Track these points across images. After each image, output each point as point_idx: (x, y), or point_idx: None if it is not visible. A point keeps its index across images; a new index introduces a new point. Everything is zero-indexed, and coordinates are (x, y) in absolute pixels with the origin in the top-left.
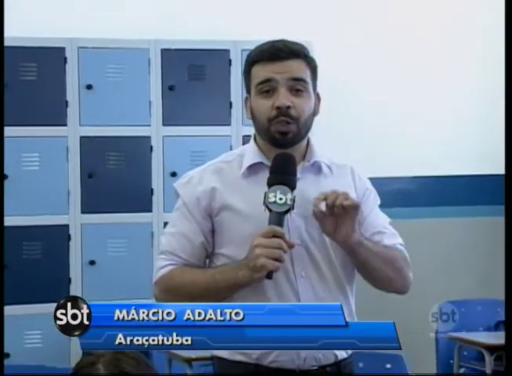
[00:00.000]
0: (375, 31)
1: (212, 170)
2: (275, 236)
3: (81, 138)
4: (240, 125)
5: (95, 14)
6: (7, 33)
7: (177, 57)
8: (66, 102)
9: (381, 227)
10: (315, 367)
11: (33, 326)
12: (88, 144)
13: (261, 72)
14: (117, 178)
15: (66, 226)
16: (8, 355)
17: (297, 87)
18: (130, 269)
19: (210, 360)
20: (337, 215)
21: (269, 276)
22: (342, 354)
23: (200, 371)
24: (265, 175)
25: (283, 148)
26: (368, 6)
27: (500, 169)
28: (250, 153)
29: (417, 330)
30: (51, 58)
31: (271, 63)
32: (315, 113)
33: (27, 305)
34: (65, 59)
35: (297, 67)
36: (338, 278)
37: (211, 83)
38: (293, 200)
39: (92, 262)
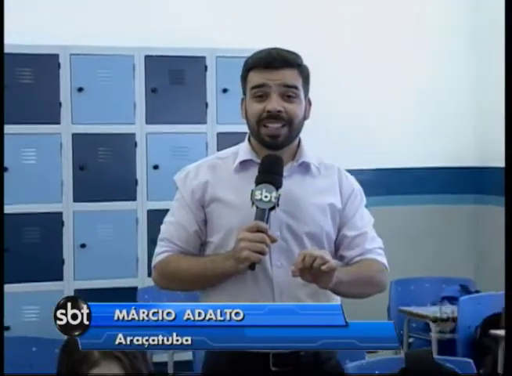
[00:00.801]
0: (354, 28)
1: (207, 165)
2: (259, 230)
3: (73, 135)
4: (215, 124)
5: (85, 24)
6: (7, 41)
7: (159, 63)
8: (60, 103)
9: (364, 229)
10: (288, 351)
11: (30, 302)
12: (80, 140)
13: (256, 78)
14: (106, 170)
15: (60, 213)
16: (8, 328)
17: (288, 93)
18: (117, 251)
19: None
20: (314, 273)
21: (252, 267)
22: None
23: None
24: (254, 171)
25: (273, 150)
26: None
27: (449, 162)
28: (243, 151)
29: (373, 303)
30: (46, 63)
31: (265, 71)
32: (305, 117)
33: (25, 283)
34: (58, 64)
35: (289, 76)
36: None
37: (189, 86)
38: (278, 198)
39: (83, 245)
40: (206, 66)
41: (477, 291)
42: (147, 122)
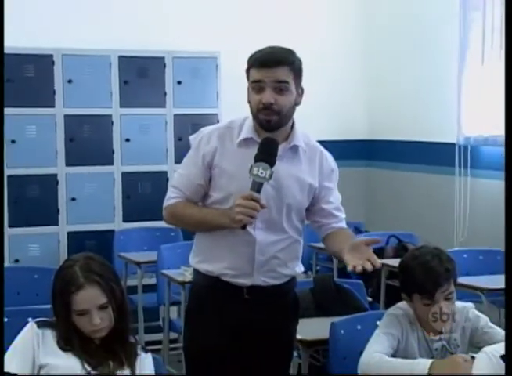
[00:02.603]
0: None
1: (218, 134)
2: (253, 199)
3: (65, 115)
4: (172, 107)
5: (74, 32)
6: (15, 44)
7: (129, 62)
8: (54, 91)
9: (337, 203)
10: (257, 285)
11: (33, 241)
12: (70, 120)
13: (254, 74)
14: (89, 142)
15: (55, 175)
16: (17, 260)
17: (280, 87)
18: (98, 203)
19: None
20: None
21: (244, 227)
22: (283, 279)
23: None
24: (254, 148)
25: (268, 131)
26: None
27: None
28: (246, 129)
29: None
30: (44, 61)
31: (262, 69)
32: (296, 103)
33: (29, 227)
34: (53, 62)
35: (281, 73)
36: (284, 230)
37: (152, 79)
38: (271, 175)
39: (73, 199)
40: (165, 64)
41: (366, 231)
42: (121, 106)
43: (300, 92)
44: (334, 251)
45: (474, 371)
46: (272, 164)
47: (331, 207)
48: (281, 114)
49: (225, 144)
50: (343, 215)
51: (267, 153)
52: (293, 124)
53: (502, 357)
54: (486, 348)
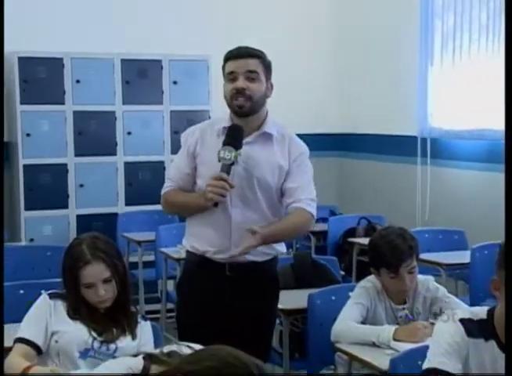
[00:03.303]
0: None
1: (200, 129)
2: (221, 179)
3: (74, 111)
4: (168, 104)
5: (81, 38)
6: (30, 48)
7: (130, 64)
8: (64, 90)
9: (301, 183)
10: (239, 262)
11: (47, 222)
12: (78, 115)
13: (229, 66)
14: (95, 135)
15: (66, 164)
16: (32, 239)
17: (251, 76)
18: (104, 189)
19: None
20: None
21: (215, 205)
22: (263, 257)
23: None
24: None
25: (242, 117)
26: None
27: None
28: (224, 120)
29: None
30: (55, 64)
31: (235, 61)
32: (266, 95)
33: (43, 210)
34: (63, 64)
35: (251, 63)
36: (261, 209)
37: (151, 79)
38: (237, 157)
39: (81, 185)
40: (162, 66)
41: (340, 213)
42: (123, 103)
43: (270, 86)
44: None
45: (435, 331)
46: (237, 147)
47: (295, 186)
48: (252, 100)
49: (205, 136)
50: (309, 196)
51: (232, 138)
52: (266, 114)
53: (461, 320)
54: (448, 311)
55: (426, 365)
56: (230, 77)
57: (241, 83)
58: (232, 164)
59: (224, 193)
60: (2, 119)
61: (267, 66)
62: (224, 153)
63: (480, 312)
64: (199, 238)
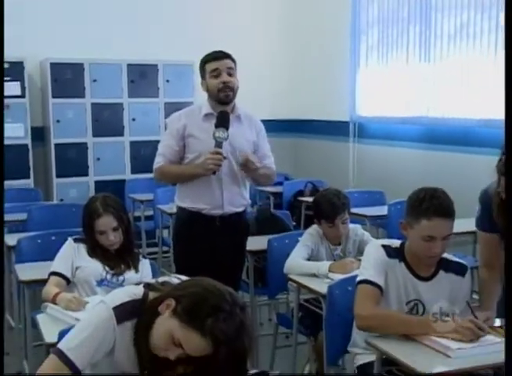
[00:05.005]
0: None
1: (185, 115)
2: (218, 153)
3: (92, 103)
4: (163, 97)
5: (97, 47)
6: (59, 56)
7: (134, 68)
8: (84, 87)
9: (266, 150)
10: (227, 214)
11: (72, 187)
12: (95, 107)
13: (213, 65)
14: (108, 121)
15: (86, 143)
16: (62, 199)
17: (230, 72)
18: (115, 162)
19: None
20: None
21: (214, 173)
22: (241, 208)
23: None
24: (212, 119)
25: (225, 105)
26: None
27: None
28: (206, 107)
29: None
30: (77, 67)
31: (217, 61)
32: (238, 86)
33: (69, 177)
34: (83, 68)
35: (229, 62)
36: (241, 179)
37: (150, 79)
38: (228, 136)
39: (98, 159)
40: (158, 69)
41: (292, 179)
42: (129, 97)
43: (237, 79)
44: None
45: (365, 254)
46: (227, 128)
47: (263, 152)
48: (234, 91)
49: (192, 120)
50: (271, 159)
51: (223, 121)
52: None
53: (383, 245)
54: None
55: (359, 278)
56: (214, 73)
57: (226, 77)
58: (224, 140)
59: (220, 164)
60: (2, 119)
61: (235, 64)
62: (219, 133)
63: (395, 242)
64: (195, 199)
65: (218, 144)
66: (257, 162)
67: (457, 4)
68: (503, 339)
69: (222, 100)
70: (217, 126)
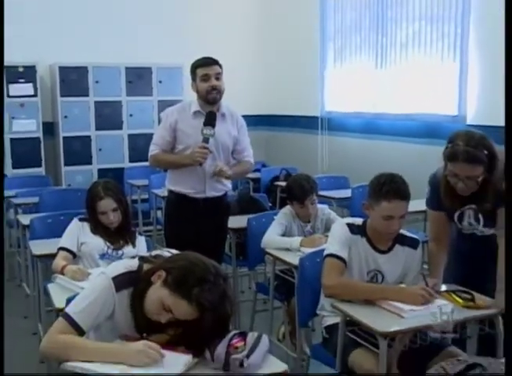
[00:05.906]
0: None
1: (177, 110)
2: (205, 148)
3: (95, 101)
4: (156, 96)
5: (99, 53)
6: (66, 60)
7: (131, 70)
8: (88, 87)
9: (245, 145)
10: (210, 197)
11: (77, 174)
12: (98, 104)
13: (203, 70)
14: (109, 116)
15: (90, 136)
16: (69, 184)
17: (218, 77)
18: (115, 152)
19: None
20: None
21: (200, 164)
22: (222, 192)
23: None
24: (201, 117)
25: (212, 105)
26: None
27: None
28: (195, 105)
29: None
30: (82, 70)
31: (207, 66)
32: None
33: (75, 166)
34: (87, 70)
35: (217, 68)
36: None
37: (144, 80)
38: (214, 133)
39: (100, 149)
40: (152, 72)
41: (268, 166)
42: (127, 96)
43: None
44: None
45: (331, 231)
46: (214, 126)
47: (242, 147)
48: (221, 93)
49: (183, 116)
50: (250, 153)
51: (211, 120)
52: None
53: (347, 223)
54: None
55: (326, 252)
56: (204, 78)
57: (214, 82)
58: (211, 137)
59: (206, 157)
60: (2, 119)
61: (222, 69)
62: (206, 130)
63: (358, 220)
64: (182, 184)
65: (205, 140)
66: (228, 171)
67: (408, 16)
68: (448, 302)
69: (210, 101)
70: (205, 124)
